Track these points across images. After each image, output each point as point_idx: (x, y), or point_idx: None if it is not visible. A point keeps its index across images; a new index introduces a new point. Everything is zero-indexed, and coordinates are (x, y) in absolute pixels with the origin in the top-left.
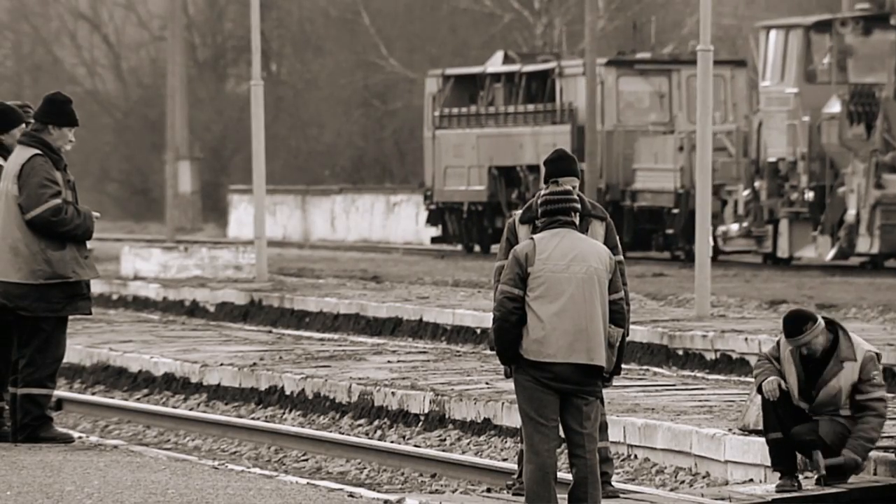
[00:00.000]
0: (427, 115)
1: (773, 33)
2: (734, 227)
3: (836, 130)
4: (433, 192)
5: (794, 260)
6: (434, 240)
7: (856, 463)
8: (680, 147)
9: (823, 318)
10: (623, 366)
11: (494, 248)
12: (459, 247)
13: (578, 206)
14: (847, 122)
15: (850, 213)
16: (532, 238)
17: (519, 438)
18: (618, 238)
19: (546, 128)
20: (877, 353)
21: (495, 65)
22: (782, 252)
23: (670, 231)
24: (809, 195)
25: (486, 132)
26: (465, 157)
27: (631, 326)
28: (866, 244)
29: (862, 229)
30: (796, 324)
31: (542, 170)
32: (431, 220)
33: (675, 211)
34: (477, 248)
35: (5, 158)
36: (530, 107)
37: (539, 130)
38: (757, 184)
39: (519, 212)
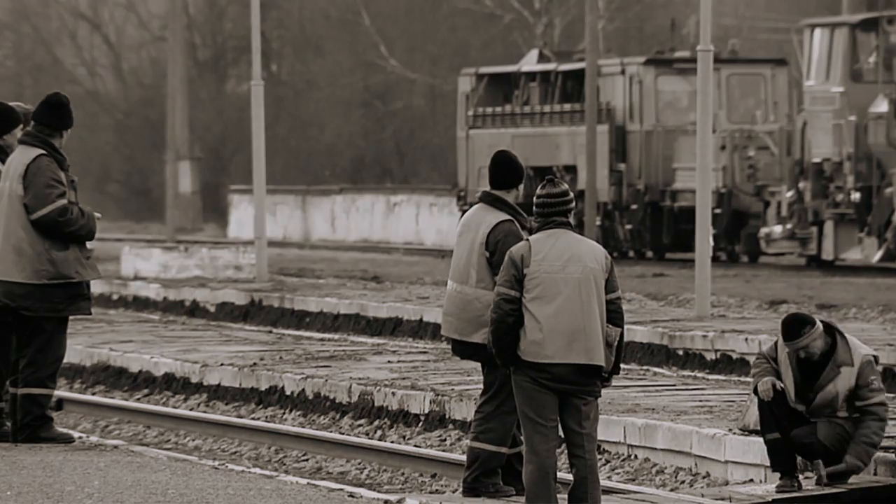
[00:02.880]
0: (460, 114)
1: (817, 32)
2: (777, 228)
3: (883, 130)
4: (467, 193)
5: (839, 262)
6: None
7: (858, 469)
8: (722, 146)
9: (822, 321)
10: (623, 366)
11: None
12: None
13: (573, 205)
14: (895, 121)
15: None
16: (528, 239)
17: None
18: None
19: (583, 128)
20: (874, 356)
21: (530, 63)
22: (827, 254)
23: (712, 231)
24: (855, 196)
25: (521, 132)
26: None
27: (631, 327)
28: None
29: None
30: (795, 327)
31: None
32: None
33: (718, 211)
34: None
35: (3, 161)
36: (567, 106)
37: (576, 130)
38: (801, 185)
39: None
